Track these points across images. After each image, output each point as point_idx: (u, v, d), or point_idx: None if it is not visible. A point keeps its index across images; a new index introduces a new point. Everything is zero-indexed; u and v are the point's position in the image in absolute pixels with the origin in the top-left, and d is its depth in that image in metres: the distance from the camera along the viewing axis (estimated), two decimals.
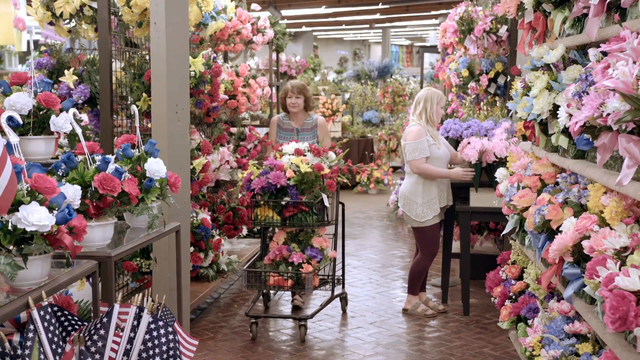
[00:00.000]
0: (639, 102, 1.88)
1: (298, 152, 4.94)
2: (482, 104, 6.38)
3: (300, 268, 4.80)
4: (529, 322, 3.54)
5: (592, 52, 2.59)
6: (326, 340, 4.82)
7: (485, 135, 5.36)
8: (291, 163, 4.86)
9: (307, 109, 5.78)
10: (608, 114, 2.02)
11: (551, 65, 3.04)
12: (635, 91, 1.91)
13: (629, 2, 2.28)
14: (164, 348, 2.25)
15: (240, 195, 6.26)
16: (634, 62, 1.95)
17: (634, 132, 1.99)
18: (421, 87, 12.48)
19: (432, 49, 12.79)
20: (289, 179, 4.76)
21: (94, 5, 4.52)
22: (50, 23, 4.83)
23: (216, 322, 5.23)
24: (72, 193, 2.51)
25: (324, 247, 4.95)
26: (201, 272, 5.35)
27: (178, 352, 2.26)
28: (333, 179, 4.90)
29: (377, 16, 17.47)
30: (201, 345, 4.66)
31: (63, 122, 3.03)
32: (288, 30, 8.57)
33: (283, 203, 4.80)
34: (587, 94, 2.35)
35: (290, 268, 4.81)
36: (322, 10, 15.74)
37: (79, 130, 2.93)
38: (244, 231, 6.47)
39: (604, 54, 2.43)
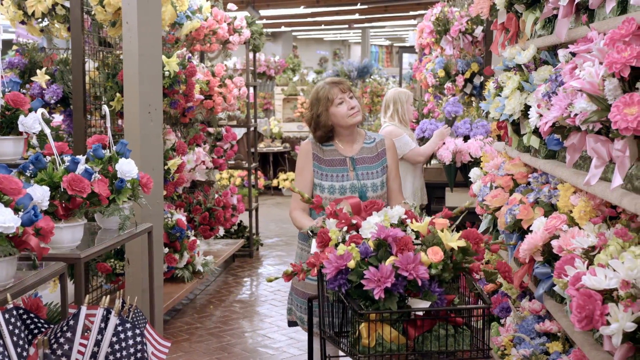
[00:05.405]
0: (605, 103, 1.89)
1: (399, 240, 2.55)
2: None
3: None
4: (502, 321, 3.56)
5: (561, 53, 2.60)
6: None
7: (458, 136, 5.39)
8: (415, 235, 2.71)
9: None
10: (576, 115, 2.03)
11: (522, 65, 3.05)
12: (601, 92, 1.91)
13: (596, 3, 2.29)
14: (132, 350, 2.23)
15: (216, 196, 6.23)
16: (600, 63, 1.96)
17: (601, 132, 2.00)
18: (400, 87, 12.52)
19: (411, 49, 12.81)
20: (429, 267, 2.49)
21: (67, 4, 4.47)
22: (22, 22, 4.77)
23: (192, 323, 5.19)
24: (40, 194, 2.47)
25: None
26: (176, 273, 5.32)
27: (146, 355, 2.23)
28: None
29: (356, 16, 17.51)
30: (176, 347, 4.62)
31: (32, 122, 2.98)
32: (267, 30, 8.55)
33: (420, 313, 2.43)
34: (557, 94, 2.36)
35: None
36: (301, 10, 15.75)
37: (47, 131, 2.89)
38: (221, 232, 6.44)
39: (573, 54, 2.44)
